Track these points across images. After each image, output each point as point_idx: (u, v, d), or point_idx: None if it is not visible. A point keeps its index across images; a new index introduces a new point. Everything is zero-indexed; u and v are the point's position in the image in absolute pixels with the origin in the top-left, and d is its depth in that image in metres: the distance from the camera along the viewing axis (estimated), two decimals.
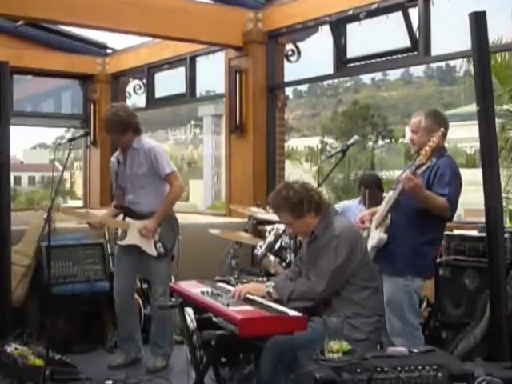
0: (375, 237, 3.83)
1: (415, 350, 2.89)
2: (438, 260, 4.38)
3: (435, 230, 3.89)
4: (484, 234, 3.94)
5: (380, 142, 36.08)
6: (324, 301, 3.38)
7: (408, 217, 3.76)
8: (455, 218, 4.10)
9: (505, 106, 9.15)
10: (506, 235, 4.13)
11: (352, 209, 5.40)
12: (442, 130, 3.68)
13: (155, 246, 4.71)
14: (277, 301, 3.38)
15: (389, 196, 3.91)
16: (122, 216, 4.91)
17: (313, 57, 9.42)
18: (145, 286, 5.65)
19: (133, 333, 4.93)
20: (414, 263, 3.78)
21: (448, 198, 3.68)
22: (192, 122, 49.27)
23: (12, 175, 5.48)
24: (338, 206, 5.64)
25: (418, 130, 3.94)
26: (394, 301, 3.80)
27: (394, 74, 50.36)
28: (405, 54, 5.83)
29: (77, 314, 5.26)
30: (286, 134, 7.94)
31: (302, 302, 3.37)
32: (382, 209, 3.93)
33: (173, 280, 5.17)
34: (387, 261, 3.81)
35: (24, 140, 61.23)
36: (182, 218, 4.95)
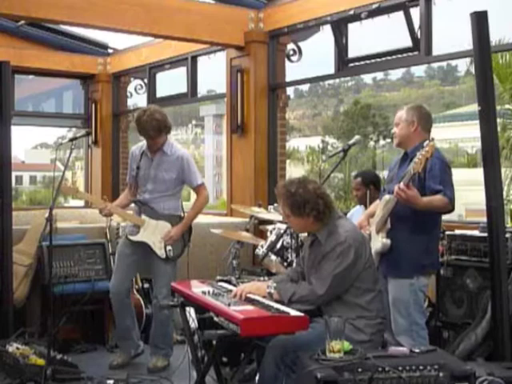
0: (378, 243, 3.79)
1: (416, 350, 2.89)
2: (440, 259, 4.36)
3: (437, 225, 3.90)
4: (485, 234, 3.94)
5: (381, 142, 36.12)
6: (324, 303, 3.36)
7: (409, 218, 3.72)
8: (456, 218, 4.10)
9: (506, 106, 9.15)
10: (508, 235, 4.11)
11: (355, 214, 5.36)
12: (433, 140, 3.60)
13: (165, 249, 4.73)
14: (278, 301, 3.37)
15: (385, 199, 3.81)
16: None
17: (314, 56, 9.43)
18: (146, 285, 5.67)
19: (130, 331, 4.92)
20: (421, 263, 3.77)
21: (444, 192, 3.64)
22: (193, 122, 49.29)
23: (13, 175, 5.48)
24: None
25: (399, 123, 3.94)
26: (399, 299, 3.78)
27: (396, 74, 50.44)
28: (406, 54, 5.82)
29: (78, 313, 5.27)
30: (287, 133, 7.93)
31: (303, 304, 3.35)
32: (379, 212, 3.87)
33: None
34: (392, 264, 3.79)
35: (25, 140, 61.35)
36: None
